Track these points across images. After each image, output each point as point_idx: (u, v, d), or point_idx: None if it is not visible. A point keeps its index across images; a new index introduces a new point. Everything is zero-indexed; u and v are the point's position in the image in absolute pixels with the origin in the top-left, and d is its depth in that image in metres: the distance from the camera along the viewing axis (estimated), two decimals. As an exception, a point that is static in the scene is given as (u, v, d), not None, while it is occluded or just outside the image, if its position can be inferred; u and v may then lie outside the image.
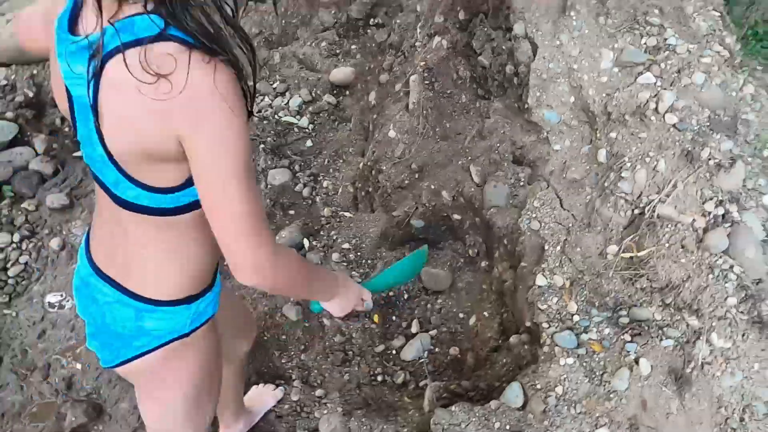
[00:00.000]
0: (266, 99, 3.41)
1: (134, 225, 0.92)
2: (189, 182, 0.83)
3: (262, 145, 2.99)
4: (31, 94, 2.89)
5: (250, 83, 0.79)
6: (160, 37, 0.70)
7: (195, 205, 0.86)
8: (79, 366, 1.94)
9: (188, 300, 1.00)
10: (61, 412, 1.77)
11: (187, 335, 1.01)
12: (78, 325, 2.07)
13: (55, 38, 0.80)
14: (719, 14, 2.13)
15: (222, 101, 0.71)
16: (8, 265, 2.24)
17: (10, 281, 2.19)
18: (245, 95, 0.77)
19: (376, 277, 1.45)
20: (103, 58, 0.72)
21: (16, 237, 2.34)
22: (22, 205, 2.49)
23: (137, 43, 0.69)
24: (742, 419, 1.48)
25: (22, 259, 2.28)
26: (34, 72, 2.97)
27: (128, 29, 0.70)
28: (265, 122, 3.24)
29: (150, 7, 0.71)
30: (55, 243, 2.34)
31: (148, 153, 0.78)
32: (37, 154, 2.70)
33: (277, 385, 1.88)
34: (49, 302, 1.80)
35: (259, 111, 3.31)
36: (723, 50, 1.90)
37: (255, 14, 3.67)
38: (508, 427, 1.44)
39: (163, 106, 0.71)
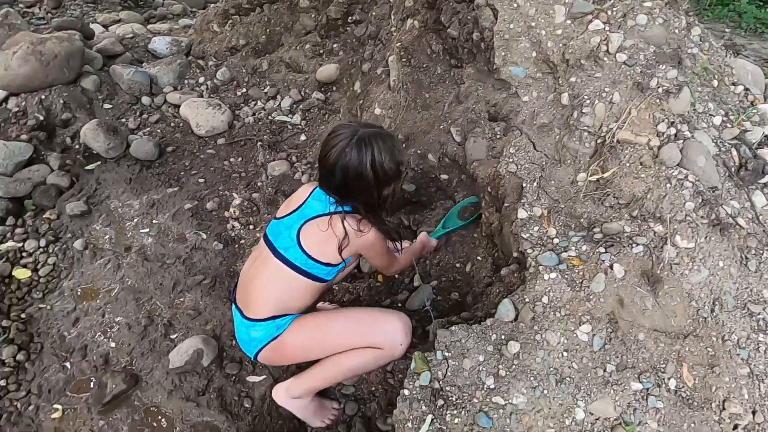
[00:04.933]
0: (259, 103, 3.63)
1: (277, 274, 1.66)
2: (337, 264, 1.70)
3: (259, 143, 3.19)
4: (41, 118, 3.11)
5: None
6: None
7: (325, 278, 1.71)
8: (113, 344, 2.12)
9: (272, 318, 1.66)
10: (102, 382, 1.94)
11: (276, 338, 1.67)
12: (107, 311, 2.26)
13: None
14: (661, -33, 2.33)
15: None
16: (38, 267, 2.44)
17: (41, 280, 2.38)
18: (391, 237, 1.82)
19: (434, 232, 2.31)
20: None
21: (42, 242, 2.54)
22: (44, 216, 2.69)
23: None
24: (712, 310, 1.64)
25: (50, 260, 2.47)
26: (42, 97, 3.19)
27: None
28: (260, 123, 3.45)
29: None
30: (78, 244, 2.53)
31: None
32: (52, 170, 2.90)
33: None
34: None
35: (254, 114, 3.53)
36: (664, -5, 2.09)
37: (241, 26, 3.90)
38: (503, 337, 1.60)
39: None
